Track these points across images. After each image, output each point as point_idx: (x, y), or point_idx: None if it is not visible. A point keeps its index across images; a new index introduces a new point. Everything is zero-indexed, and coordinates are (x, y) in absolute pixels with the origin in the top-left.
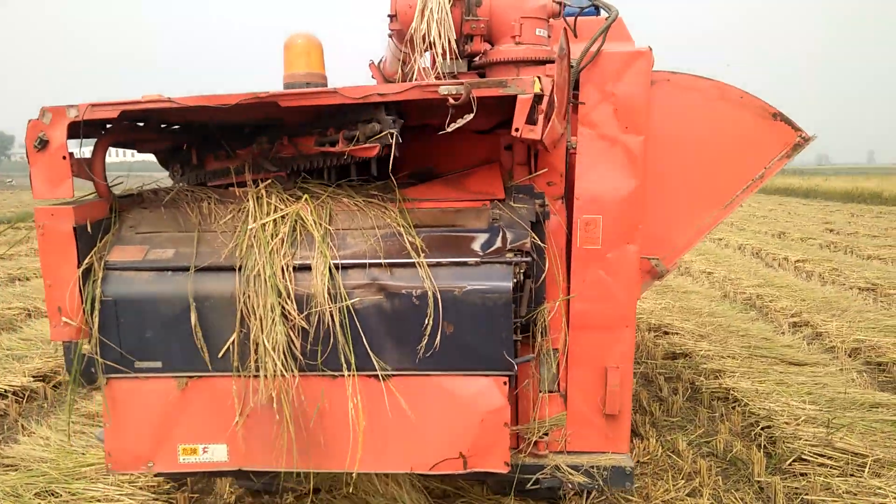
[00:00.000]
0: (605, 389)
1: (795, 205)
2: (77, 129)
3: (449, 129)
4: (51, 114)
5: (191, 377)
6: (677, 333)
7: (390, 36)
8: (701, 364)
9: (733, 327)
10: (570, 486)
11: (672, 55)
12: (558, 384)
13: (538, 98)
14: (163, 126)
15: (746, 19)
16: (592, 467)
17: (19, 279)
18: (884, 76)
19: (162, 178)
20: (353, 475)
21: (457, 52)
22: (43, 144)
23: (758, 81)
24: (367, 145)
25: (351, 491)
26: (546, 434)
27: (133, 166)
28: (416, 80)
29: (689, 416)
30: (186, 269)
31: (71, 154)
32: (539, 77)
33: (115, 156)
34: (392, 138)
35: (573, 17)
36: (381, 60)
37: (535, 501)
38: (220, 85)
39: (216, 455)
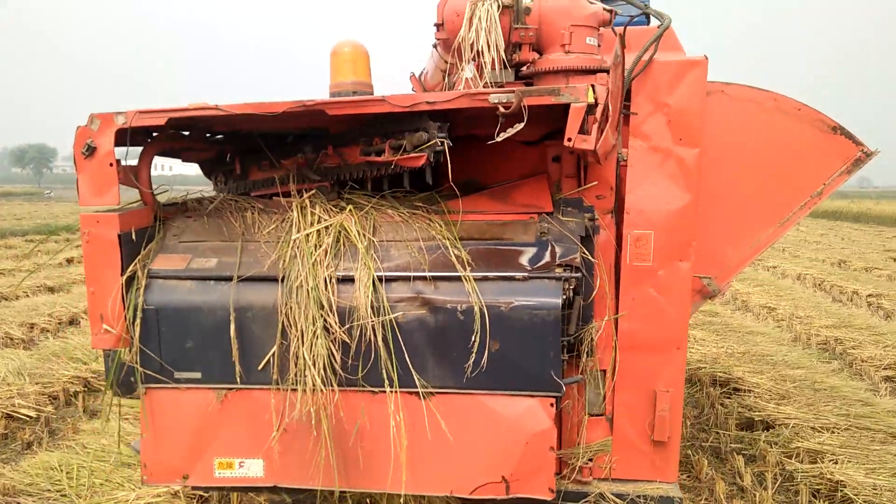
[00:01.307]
0: (654, 414)
1: (847, 230)
2: (124, 137)
3: (499, 139)
4: (99, 120)
5: (230, 389)
6: (751, 391)
7: (435, 46)
8: (791, 441)
9: (818, 383)
10: None
11: None
12: (604, 407)
13: (591, 107)
14: (207, 135)
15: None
16: (639, 497)
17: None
18: None
19: (200, 190)
20: (402, 497)
21: (505, 61)
22: (90, 151)
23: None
24: (413, 154)
25: None
26: (590, 460)
27: (171, 180)
28: (463, 89)
29: None
30: (229, 278)
31: (118, 161)
32: (593, 85)
33: (154, 169)
34: (442, 146)
35: (623, 27)
36: (422, 72)
37: None
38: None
39: (252, 470)
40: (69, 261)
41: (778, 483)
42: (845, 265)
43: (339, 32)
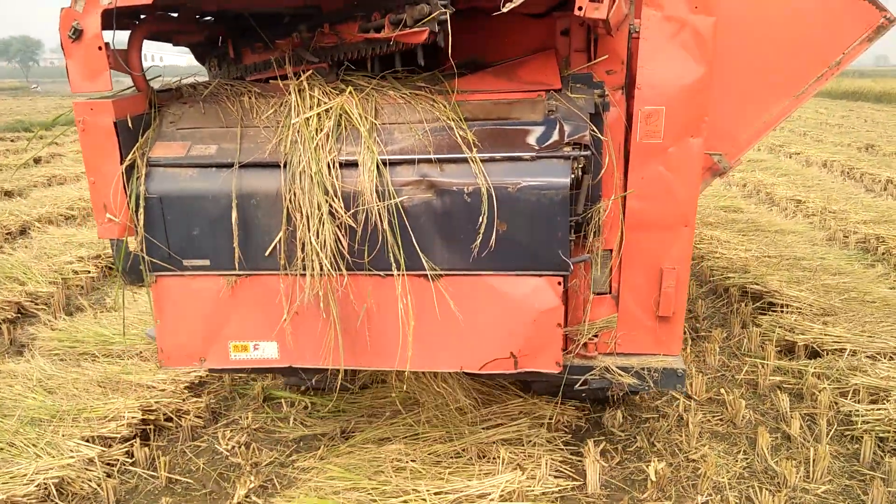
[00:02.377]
0: (660, 291)
1: (869, 111)
2: (111, 18)
3: (504, 10)
4: (83, 2)
5: (239, 275)
6: (789, 306)
7: None
8: (846, 375)
9: (867, 294)
10: (620, 387)
11: None
12: (610, 285)
13: None
14: (197, 17)
15: None
16: (643, 369)
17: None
18: None
19: (194, 76)
20: (405, 373)
21: None
22: (77, 34)
23: None
24: (415, 29)
25: (404, 389)
26: (596, 336)
27: (163, 71)
28: None
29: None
30: (230, 165)
31: (107, 44)
32: None
33: (144, 60)
34: (445, 18)
35: None
36: None
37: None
38: None
39: (267, 352)
40: (37, 161)
41: (833, 429)
42: (873, 150)
43: None
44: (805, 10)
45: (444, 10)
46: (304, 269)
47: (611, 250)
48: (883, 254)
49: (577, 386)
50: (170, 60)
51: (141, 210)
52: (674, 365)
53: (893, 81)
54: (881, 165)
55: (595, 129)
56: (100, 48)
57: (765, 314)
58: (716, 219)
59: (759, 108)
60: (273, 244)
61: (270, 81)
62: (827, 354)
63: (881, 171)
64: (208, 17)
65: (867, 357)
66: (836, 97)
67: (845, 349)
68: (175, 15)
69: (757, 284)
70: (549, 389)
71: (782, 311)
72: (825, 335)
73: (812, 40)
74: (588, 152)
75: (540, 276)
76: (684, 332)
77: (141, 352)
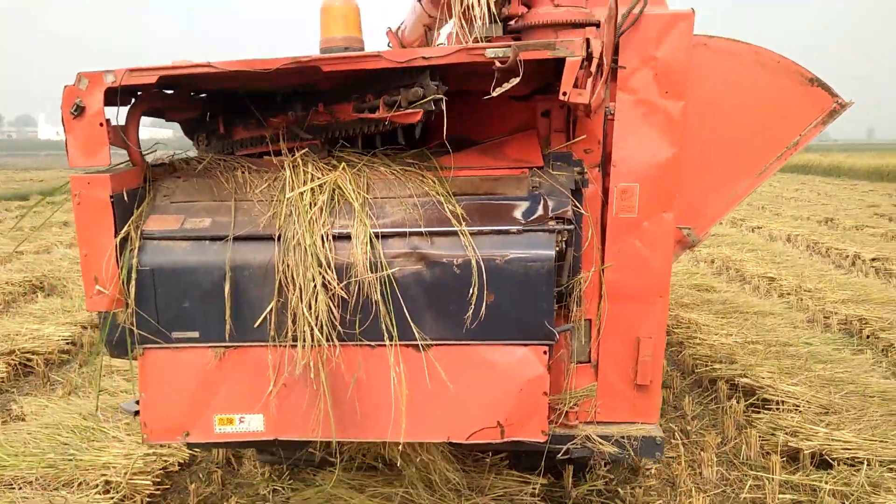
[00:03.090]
0: (637, 360)
1: (820, 184)
2: (112, 96)
3: (494, 94)
4: (87, 80)
5: (228, 347)
6: (785, 404)
7: (419, 1)
8: (870, 495)
9: (866, 388)
10: (601, 456)
11: None
12: (589, 355)
13: (585, 60)
14: (192, 94)
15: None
16: (623, 437)
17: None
18: (884, 52)
19: (185, 152)
20: (400, 445)
21: (494, 14)
22: (79, 111)
23: None
24: (409, 111)
25: (388, 461)
26: (576, 404)
27: (146, 144)
28: (454, 44)
29: None
30: (224, 238)
31: (107, 121)
32: (589, 39)
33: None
34: (439, 103)
35: None
36: (399, 27)
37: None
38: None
39: (252, 425)
40: None
41: None
42: (833, 223)
43: None
44: (766, 96)
45: (437, 93)
46: (294, 340)
47: (590, 320)
48: (868, 337)
49: (559, 456)
50: (150, 134)
51: (132, 282)
52: (652, 433)
53: (839, 156)
54: (844, 239)
55: (577, 204)
56: (101, 124)
57: (759, 412)
58: (690, 299)
59: (725, 185)
60: (263, 315)
61: (265, 157)
62: (838, 464)
63: (845, 245)
64: (202, 95)
65: (887, 471)
66: (787, 171)
67: (858, 457)
68: (170, 92)
69: (747, 377)
70: (533, 463)
71: (778, 409)
72: (832, 440)
73: (772, 123)
74: (571, 226)
75: (526, 345)
76: (674, 435)
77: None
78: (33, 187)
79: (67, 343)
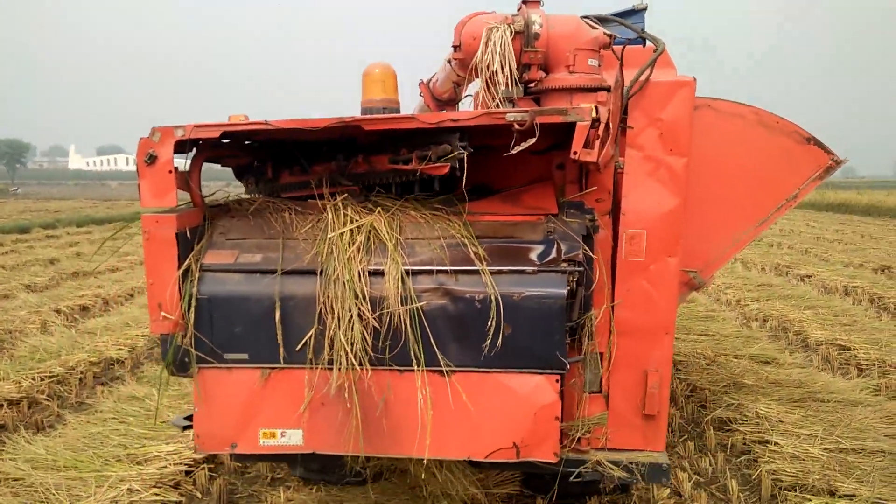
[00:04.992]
0: (645, 391)
1: (859, 224)
2: (180, 146)
3: (514, 151)
4: (160, 133)
5: (273, 368)
6: None
7: (449, 61)
8: None
9: None
10: (610, 480)
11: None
12: (601, 385)
13: (594, 123)
14: (246, 143)
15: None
16: (632, 463)
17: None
18: None
19: (238, 194)
20: (424, 461)
21: (515, 79)
22: (152, 160)
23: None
24: (438, 164)
25: (412, 478)
26: (588, 432)
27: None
28: (480, 106)
29: None
30: (273, 271)
31: (175, 168)
32: (597, 106)
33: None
34: (462, 159)
35: (621, 47)
36: (431, 79)
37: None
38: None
39: (293, 439)
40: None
41: None
42: (891, 272)
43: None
44: (766, 153)
45: (462, 150)
46: (330, 364)
47: (602, 353)
48: None
49: (571, 478)
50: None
51: (192, 309)
52: (659, 460)
53: (879, 194)
54: None
55: (587, 249)
56: (170, 171)
57: None
58: (752, 378)
59: (728, 233)
60: (304, 340)
61: (309, 200)
62: None
63: None
64: (254, 144)
65: None
66: (822, 209)
67: None
68: (227, 141)
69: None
70: (545, 487)
71: None
72: None
73: (772, 177)
74: (581, 268)
75: (540, 373)
76: None
77: None
78: (36, 220)
79: None
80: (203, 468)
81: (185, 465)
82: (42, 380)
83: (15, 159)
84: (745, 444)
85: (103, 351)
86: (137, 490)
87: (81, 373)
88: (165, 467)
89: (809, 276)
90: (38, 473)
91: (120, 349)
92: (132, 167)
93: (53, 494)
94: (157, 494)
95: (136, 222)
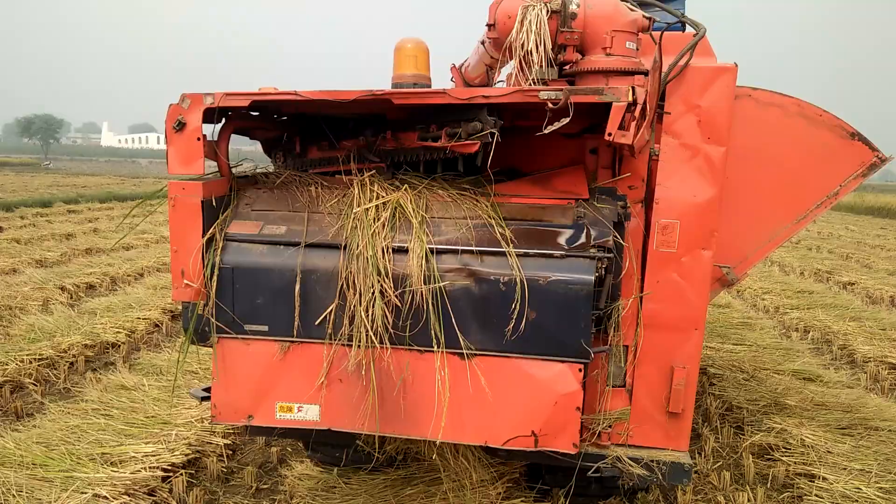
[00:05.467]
0: (671, 388)
1: None
2: (209, 115)
3: (546, 132)
4: (189, 100)
5: (292, 342)
6: None
7: (482, 43)
8: None
9: None
10: (629, 477)
11: None
12: (625, 379)
13: (630, 106)
14: (275, 116)
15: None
16: (653, 461)
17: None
18: None
19: (265, 166)
20: (436, 443)
21: (550, 59)
22: (181, 126)
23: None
24: (468, 142)
25: (427, 461)
26: (610, 426)
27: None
28: (512, 84)
29: None
30: (297, 244)
31: (204, 136)
32: (634, 87)
33: None
34: (492, 137)
35: (660, 32)
36: (463, 64)
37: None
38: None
39: (309, 414)
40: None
41: None
42: None
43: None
44: (807, 146)
45: (494, 128)
46: (350, 340)
47: (627, 346)
48: None
49: (589, 473)
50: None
51: (214, 278)
52: (682, 460)
53: None
54: None
55: (617, 236)
56: (198, 139)
57: None
58: (795, 399)
59: (764, 229)
60: (323, 315)
61: (336, 175)
62: None
63: None
64: (283, 117)
65: None
66: (860, 212)
67: None
68: (256, 114)
69: None
70: (562, 481)
71: None
72: None
73: (813, 172)
74: (611, 255)
75: (563, 361)
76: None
77: None
78: (59, 194)
79: None
80: (181, 474)
81: (163, 469)
82: (31, 363)
83: (49, 134)
84: (788, 476)
85: (100, 334)
86: (104, 497)
87: (73, 356)
88: (140, 471)
89: (852, 284)
90: (1, 471)
91: (118, 332)
92: (163, 146)
93: (13, 497)
94: (126, 503)
95: (154, 199)
